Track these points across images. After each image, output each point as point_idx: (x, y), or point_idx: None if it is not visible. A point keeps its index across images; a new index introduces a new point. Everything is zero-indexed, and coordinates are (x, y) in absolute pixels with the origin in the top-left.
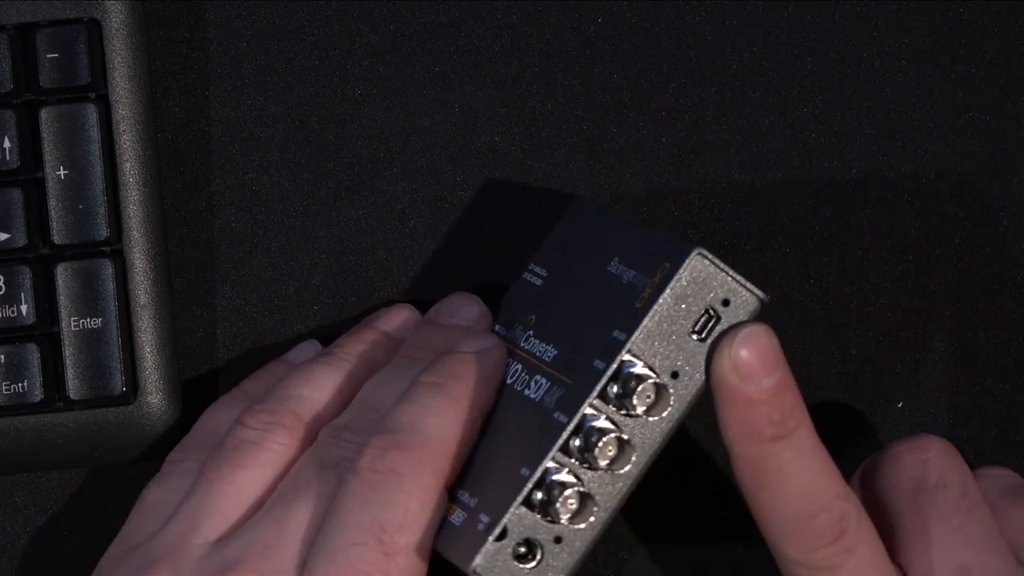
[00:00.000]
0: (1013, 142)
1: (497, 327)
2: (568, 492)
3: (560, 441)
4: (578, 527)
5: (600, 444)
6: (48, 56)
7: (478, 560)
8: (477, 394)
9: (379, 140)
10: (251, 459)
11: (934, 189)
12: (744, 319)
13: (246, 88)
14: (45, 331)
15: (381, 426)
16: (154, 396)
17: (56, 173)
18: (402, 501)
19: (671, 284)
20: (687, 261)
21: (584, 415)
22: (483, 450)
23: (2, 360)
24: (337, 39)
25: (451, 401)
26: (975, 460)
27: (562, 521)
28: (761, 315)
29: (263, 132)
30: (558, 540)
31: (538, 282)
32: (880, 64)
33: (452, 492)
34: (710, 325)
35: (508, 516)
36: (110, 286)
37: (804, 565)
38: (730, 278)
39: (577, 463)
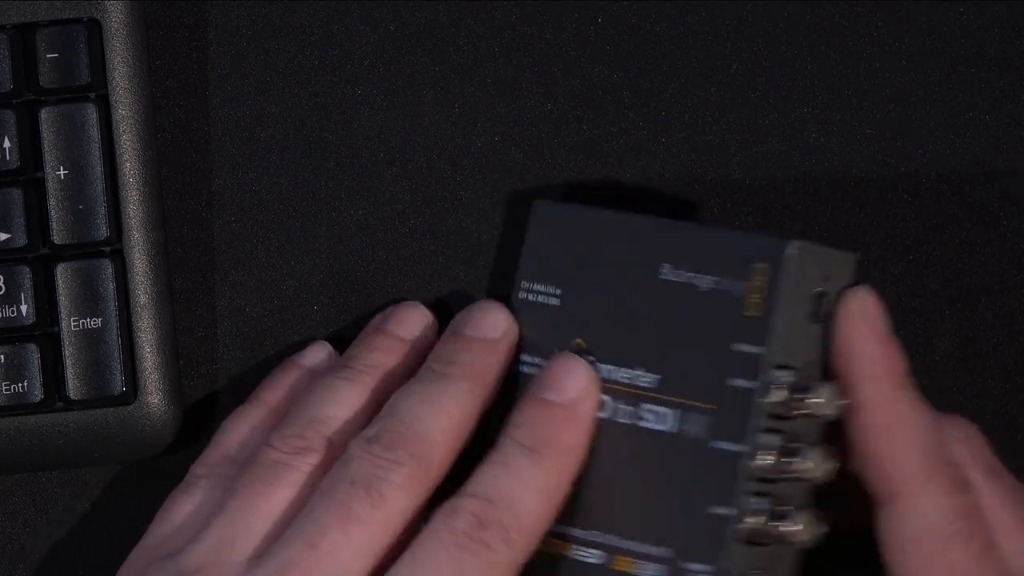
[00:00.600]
0: (1013, 142)
1: (527, 356)
2: (786, 521)
3: (748, 470)
4: (789, 541)
5: (796, 460)
6: (48, 56)
7: None
8: (573, 465)
9: (379, 140)
10: (285, 479)
11: (934, 189)
12: (848, 282)
13: (246, 88)
14: (45, 331)
15: (477, 487)
16: (154, 396)
17: (56, 173)
18: (487, 573)
19: (785, 286)
20: (790, 259)
21: (758, 437)
22: (628, 493)
23: (2, 360)
24: (337, 39)
25: (548, 477)
26: None
27: (776, 541)
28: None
29: (263, 132)
30: (774, 557)
31: (554, 301)
32: (880, 64)
33: (610, 545)
34: (823, 304)
35: (731, 560)
36: (110, 286)
37: (947, 511)
38: (826, 255)
39: (767, 483)
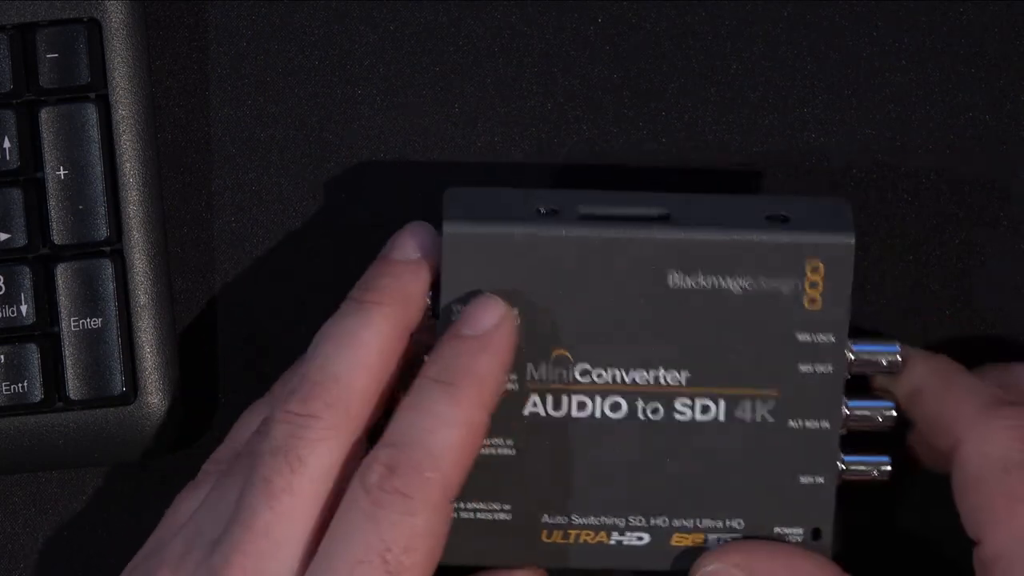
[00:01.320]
0: (1013, 142)
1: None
2: (879, 467)
3: (838, 439)
4: (884, 482)
5: (878, 413)
6: (48, 56)
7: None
8: (489, 397)
9: (379, 140)
10: None
11: (934, 189)
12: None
13: (246, 88)
14: (45, 331)
15: (388, 436)
16: (154, 396)
17: (56, 173)
18: (408, 523)
19: (848, 276)
20: (850, 251)
21: (843, 409)
22: (674, 478)
23: (2, 360)
24: (337, 39)
25: (461, 408)
26: None
27: (865, 485)
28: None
29: (263, 132)
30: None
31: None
32: (880, 64)
33: (659, 526)
34: None
35: (833, 516)
36: (110, 286)
37: (1008, 443)
38: (851, 223)
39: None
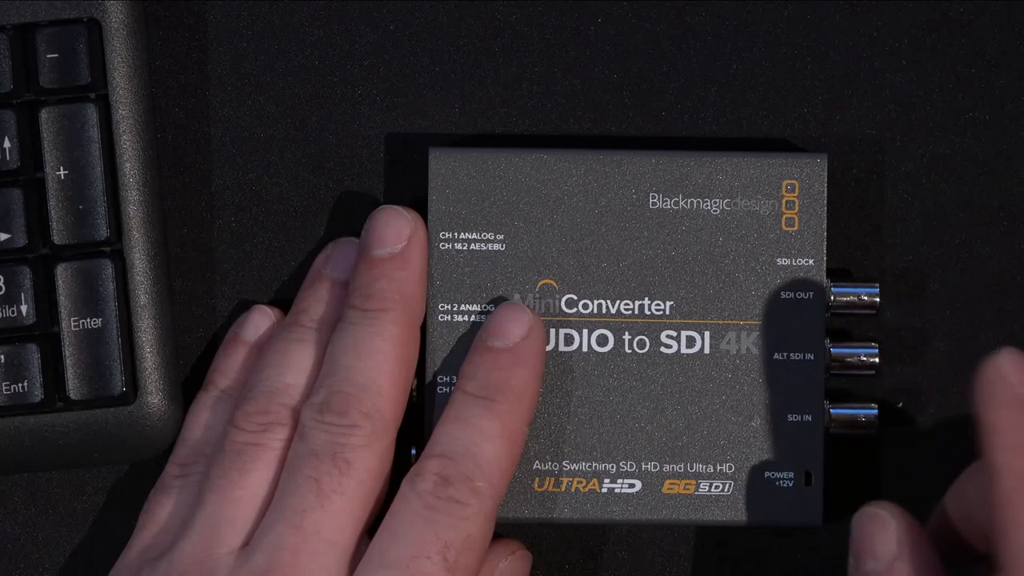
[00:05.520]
0: (1013, 142)
1: (476, 306)
2: (864, 413)
3: (823, 374)
4: (871, 431)
5: (862, 355)
6: (48, 56)
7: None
8: (527, 407)
9: (379, 140)
10: (257, 461)
11: (934, 189)
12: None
13: (246, 88)
14: (45, 331)
15: (436, 447)
16: (154, 396)
17: (56, 173)
18: (463, 527)
19: (823, 194)
20: (824, 169)
21: (826, 341)
22: (663, 419)
23: (2, 360)
24: (337, 39)
25: (504, 423)
26: (973, 461)
27: (851, 431)
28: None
29: (263, 132)
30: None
31: (497, 247)
32: (880, 64)
33: (650, 472)
34: None
35: (821, 460)
36: (110, 286)
37: None
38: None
39: (831, 380)
